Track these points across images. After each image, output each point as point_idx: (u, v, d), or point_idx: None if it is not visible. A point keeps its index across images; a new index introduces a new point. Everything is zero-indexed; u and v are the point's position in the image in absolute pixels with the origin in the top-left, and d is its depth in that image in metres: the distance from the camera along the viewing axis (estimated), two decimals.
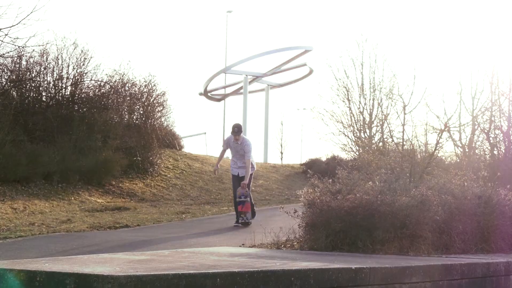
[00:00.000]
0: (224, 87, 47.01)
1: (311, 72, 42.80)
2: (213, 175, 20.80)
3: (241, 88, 43.96)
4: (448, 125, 13.97)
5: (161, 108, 27.68)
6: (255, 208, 16.36)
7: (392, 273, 7.68)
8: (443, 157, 14.98)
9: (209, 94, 45.27)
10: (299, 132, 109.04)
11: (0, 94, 22.62)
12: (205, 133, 46.32)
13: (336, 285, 7.00)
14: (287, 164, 37.01)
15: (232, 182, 16.22)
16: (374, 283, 7.41)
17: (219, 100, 47.40)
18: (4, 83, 23.29)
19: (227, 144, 16.17)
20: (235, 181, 16.01)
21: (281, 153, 66.31)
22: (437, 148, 13.38)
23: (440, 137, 13.34)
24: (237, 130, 15.82)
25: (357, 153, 28.17)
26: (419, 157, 13.31)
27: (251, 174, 15.97)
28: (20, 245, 11.59)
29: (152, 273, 5.70)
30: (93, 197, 20.63)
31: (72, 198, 19.77)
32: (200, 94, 45.44)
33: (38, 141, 21.53)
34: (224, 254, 8.28)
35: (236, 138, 15.78)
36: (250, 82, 42.85)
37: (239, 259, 7.65)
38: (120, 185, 22.85)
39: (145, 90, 26.91)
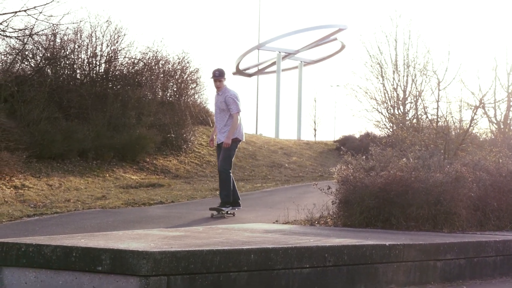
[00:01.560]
0: (257, 65, 46.93)
1: (343, 47, 42.66)
2: (211, 147, 15.11)
3: (273, 63, 43.86)
4: (483, 101, 13.84)
5: (195, 85, 27.72)
6: (238, 194, 12.65)
7: (426, 250, 7.67)
8: (478, 134, 14.86)
9: (242, 70, 45.23)
10: (332, 109, 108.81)
11: (35, 72, 22.76)
12: None
13: (370, 262, 7.01)
14: (320, 141, 36.95)
15: (216, 154, 12.65)
16: (408, 259, 7.41)
17: (250, 75, 47.33)
18: (39, 60, 23.43)
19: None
20: (218, 152, 12.48)
21: (315, 130, 66.20)
22: (472, 124, 13.27)
23: (475, 114, 13.21)
24: (218, 74, 12.22)
25: (391, 129, 28.04)
26: (453, 133, 13.22)
27: (236, 142, 12.33)
28: (56, 221, 11.70)
29: (186, 249, 5.74)
30: (128, 174, 20.75)
31: (107, 175, 19.90)
32: (234, 73, 45.42)
33: (73, 118, 21.66)
34: (258, 230, 8.32)
35: (217, 86, 12.23)
36: (283, 59, 42.75)
37: (273, 235, 7.67)
38: (154, 162, 22.94)
39: (178, 67, 26.94)
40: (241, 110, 12.09)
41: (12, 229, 10.70)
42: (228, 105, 12.01)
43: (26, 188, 16.32)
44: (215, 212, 12.12)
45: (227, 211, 12.10)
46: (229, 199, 12.12)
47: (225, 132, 12.04)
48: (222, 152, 12.12)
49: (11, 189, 15.86)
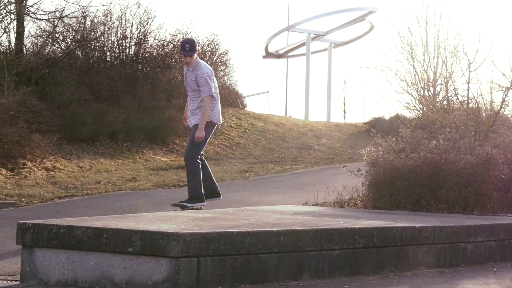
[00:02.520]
0: (287, 48, 46.83)
1: (372, 28, 42.47)
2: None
3: (302, 44, 43.73)
4: None
5: (224, 67, 27.74)
6: (215, 183, 10.15)
7: (457, 232, 7.64)
8: (509, 116, 14.73)
9: (270, 51, 45.15)
10: (362, 91, 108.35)
11: (65, 54, 22.87)
12: (267, 92, 46.31)
13: (400, 244, 7.00)
14: (350, 123, 36.82)
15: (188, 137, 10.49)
16: (438, 241, 7.39)
17: (278, 56, 47.23)
18: (69, 43, 23.53)
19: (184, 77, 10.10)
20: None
21: (344, 112, 65.93)
22: (503, 106, 13.15)
23: (506, 95, 13.10)
24: (188, 47, 9.56)
25: (421, 111, 27.88)
26: (484, 115, 13.12)
27: (210, 127, 10.08)
28: (87, 203, 11.78)
29: (216, 230, 5.76)
30: (157, 156, 20.82)
31: (137, 157, 19.99)
32: (264, 57, 45.37)
33: (103, 101, 21.75)
34: (287, 212, 8.32)
35: (187, 62, 9.67)
36: (312, 40, 42.63)
37: (302, 217, 7.68)
38: (184, 143, 22.97)
39: (208, 49, 26.95)
40: (214, 92, 9.71)
41: (44, 211, 10.80)
42: (199, 85, 9.63)
43: (57, 170, 16.43)
44: (178, 209, 9.49)
45: (193, 207, 9.40)
46: (198, 193, 9.52)
47: (197, 115, 9.83)
48: (190, 136, 10.04)
49: (42, 171, 15.99)
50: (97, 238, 5.61)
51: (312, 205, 10.69)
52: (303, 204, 10.96)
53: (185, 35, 25.90)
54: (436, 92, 32.13)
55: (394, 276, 6.67)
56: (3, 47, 22.17)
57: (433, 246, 7.34)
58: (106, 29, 23.93)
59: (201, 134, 9.79)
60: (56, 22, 22.90)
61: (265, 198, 12.52)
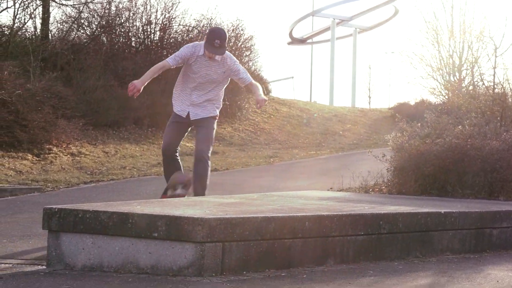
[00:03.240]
0: (311, 33, 46.72)
1: (397, 12, 42.31)
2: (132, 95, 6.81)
3: (327, 29, 43.62)
4: None
5: (249, 53, 27.69)
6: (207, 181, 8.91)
7: (482, 217, 7.61)
8: None
9: (295, 37, 45.08)
10: (387, 76, 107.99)
11: (90, 40, 22.94)
12: (292, 77, 46.30)
13: (425, 229, 6.98)
14: (374, 108, 36.74)
15: (171, 132, 9.38)
16: (463, 227, 7.36)
17: (303, 42, 47.15)
18: (95, 28, 23.60)
19: (184, 59, 8.63)
20: (175, 131, 9.43)
21: (369, 97, 65.73)
22: None
23: None
24: (220, 42, 8.30)
25: (446, 96, 27.79)
26: (510, 100, 13.04)
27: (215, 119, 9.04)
28: (112, 188, 11.84)
29: (241, 216, 5.77)
30: (183, 142, 20.82)
31: (162, 142, 20.04)
32: (289, 43, 45.32)
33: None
34: (312, 197, 8.32)
35: (219, 53, 8.36)
36: (337, 25, 42.51)
37: (327, 202, 7.67)
38: None
39: (232, 34, 26.91)
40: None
41: (69, 196, 10.87)
42: (240, 74, 8.70)
43: (83, 155, 16.51)
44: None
45: None
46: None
47: (206, 108, 8.92)
48: (204, 133, 8.99)
49: (68, 156, 16.07)
50: (122, 223, 5.63)
51: (337, 191, 10.69)
52: (328, 190, 10.95)
53: (210, 20, 25.89)
54: (462, 77, 32.00)
55: (419, 261, 6.66)
56: (29, 33, 22.29)
57: (458, 232, 7.31)
58: (131, 14, 23.99)
59: (262, 101, 8.52)
60: (81, 8, 22.99)
61: (289, 183, 12.53)
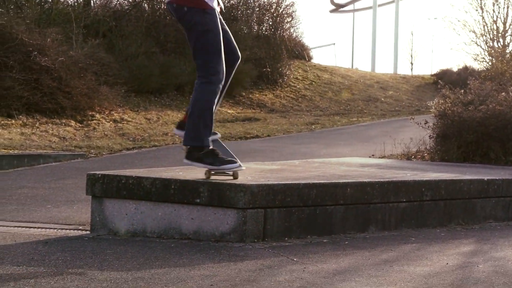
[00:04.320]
0: (354, 1, 46.40)
1: None
2: None
3: None
4: None
5: (290, 19, 27.58)
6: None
7: None
8: None
9: (336, 2, 44.79)
10: (429, 42, 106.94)
11: (132, 7, 22.98)
12: (334, 44, 46.07)
13: (468, 197, 6.94)
14: (417, 75, 36.45)
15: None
16: (507, 195, 7.31)
17: (344, 7, 46.85)
18: None
19: None
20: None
21: (411, 63, 65.24)
22: None
23: None
24: None
25: (490, 63, 27.49)
26: None
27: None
28: (154, 154, 11.92)
29: (283, 182, 5.78)
30: (224, 108, 20.91)
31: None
32: (331, 11, 45.06)
33: (170, 53, 21.86)
34: (354, 164, 8.30)
35: None
36: None
37: (369, 169, 7.65)
38: (250, 96, 23.05)
39: (274, 0, 26.82)
40: None
41: (112, 162, 10.96)
42: None
43: (125, 122, 16.62)
44: None
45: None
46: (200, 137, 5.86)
47: None
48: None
49: (111, 122, 16.19)
50: (165, 189, 5.67)
51: (379, 157, 10.65)
52: (370, 157, 10.92)
53: None
54: (506, 43, 31.61)
55: (462, 228, 6.64)
56: (71, 1, 22.39)
57: (501, 199, 7.26)
58: None
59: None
60: None
61: (331, 150, 12.51)
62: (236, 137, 14.86)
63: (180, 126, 6.20)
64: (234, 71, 6.23)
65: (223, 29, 6.00)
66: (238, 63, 6.25)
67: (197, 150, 5.84)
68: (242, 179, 5.81)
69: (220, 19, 5.99)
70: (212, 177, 5.84)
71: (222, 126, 17.00)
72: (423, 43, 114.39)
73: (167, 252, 5.11)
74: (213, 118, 5.99)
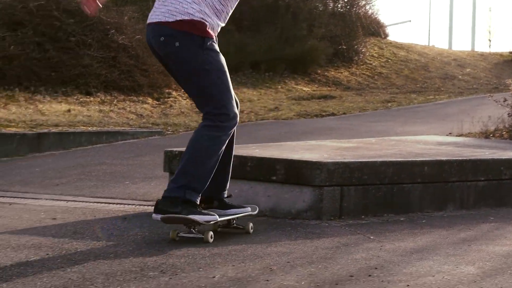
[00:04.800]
0: None
1: None
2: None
3: None
4: None
5: None
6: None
7: None
8: None
9: None
10: (508, 19, 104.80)
11: None
12: (410, 21, 45.52)
13: None
14: (495, 52, 35.81)
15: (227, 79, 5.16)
16: None
17: None
18: None
19: None
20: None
21: (489, 40, 64.17)
22: None
23: None
24: None
25: None
26: None
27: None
28: None
29: (359, 160, 5.76)
30: (299, 86, 20.87)
31: (279, 87, 20.09)
32: None
33: (245, 31, 21.88)
34: (431, 142, 8.22)
35: None
36: None
37: (446, 147, 7.57)
38: (326, 73, 22.94)
39: None
40: None
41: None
42: None
43: None
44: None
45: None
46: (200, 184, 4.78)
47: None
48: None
49: (187, 100, 16.28)
50: (241, 166, 5.70)
51: (456, 136, 10.52)
52: (447, 135, 10.79)
53: None
54: None
55: None
56: None
57: None
58: None
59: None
60: None
61: (407, 128, 12.40)
62: (312, 115, 14.83)
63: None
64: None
65: None
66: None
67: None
68: (318, 156, 5.81)
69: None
70: (289, 155, 5.84)
71: (298, 104, 16.97)
72: (501, 19, 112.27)
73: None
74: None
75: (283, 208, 5.57)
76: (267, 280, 3.79)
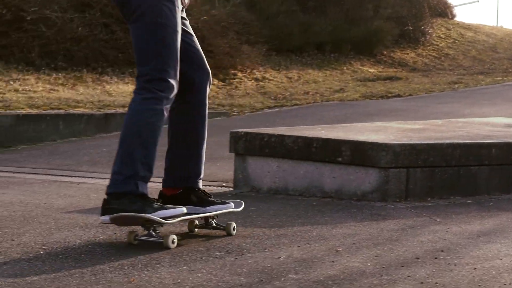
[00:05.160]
0: None
1: None
2: None
3: None
4: None
5: None
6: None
7: None
8: None
9: None
10: None
11: None
12: (477, 1, 44.85)
13: None
14: None
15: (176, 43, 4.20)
16: None
17: None
18: None
19: None
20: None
21: None
22: None
23: None
24: None
25: None
26: None
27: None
28: (295, 113, 11.97)
29: (426, 142, 5.72)
30: (365, 67, 20.74)
31: (344, 68, 20.00)
32: None
33: (310, 12, 21.80)
34: (498, 124, 8.10)
35: None
36: None
37: None
38: (391, 54, 22.76)
39: None
40: None
41: (254, 120, 11.07)
42: None
43: (266, 81, 16.73)
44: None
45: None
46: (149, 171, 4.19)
47: None
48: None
49: (252, 81, 16.33)
50: (307, 147, 5.70)
51: None
52: None
53: None
54: None
55: None
56: None
57: None
58: None
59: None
60: None
61: (475, 110, 12.25)
62: (377, 96, 14.74)
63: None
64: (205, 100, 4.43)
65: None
66: (209, 87, 4.44)
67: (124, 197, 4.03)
68: (384, 138, 5.78)
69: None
70: (354, 136, 5.83)
71: (363, 85, 16.88)
72: None
73: (309, 210, 5.16)
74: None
75: (348, 190, 5.56)
76: (333, 262, 3.79)
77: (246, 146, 5.96)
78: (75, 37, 14.20)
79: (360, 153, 5.50)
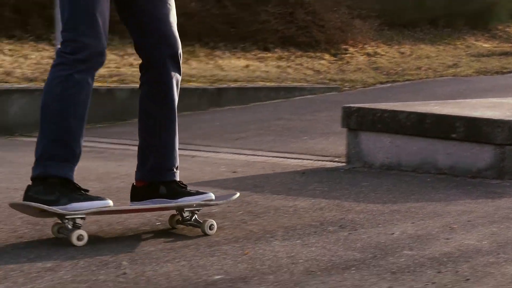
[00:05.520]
0: None
1: None
2: None
3: None
4: None
5: None
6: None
7: None
8: None
9: None
10: None
11: None
12: None
13: None
14: None
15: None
16: None
17: None
18: None
19: None
20: None
21: None
22: None
23: None
24: None
25: None
26: None
27: None
28: (408, 89, 11.86)
29: None
30: (479, 42, 20.32)
31: (458, 43, 19.62)
32: None
33: None
34: None
35: None
36: None
37: None
38: (507, 29, 22.20)
39: None
40: None
41: (366, 95, 11.02)
42: None
43: (378, 56, 16.58)
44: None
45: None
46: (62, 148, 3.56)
47: None
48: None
49: (364, 56, 16.22)
50: (420, 123, 5.65)
51: None
52: None
53: None
54: None
55: None
56: None
57: None
58: None
59: None
60: None
61: None
62: (492, 72, 14.45)
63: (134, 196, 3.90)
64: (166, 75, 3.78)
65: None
66: (173, 61, 3.78)
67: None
68: (499, 114, 5.67)
69: None
70: (468, 112, 5.74)
71: (477, 61, 16.56)
72: None
73: (423, 187, 5.12)
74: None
75: (462, 167, 5.49)
76: (447, 239, 3.76)
77: (358, 121, 5.94)
78: (188, 12, 14.35)
79: (475, 130, 5.42)
